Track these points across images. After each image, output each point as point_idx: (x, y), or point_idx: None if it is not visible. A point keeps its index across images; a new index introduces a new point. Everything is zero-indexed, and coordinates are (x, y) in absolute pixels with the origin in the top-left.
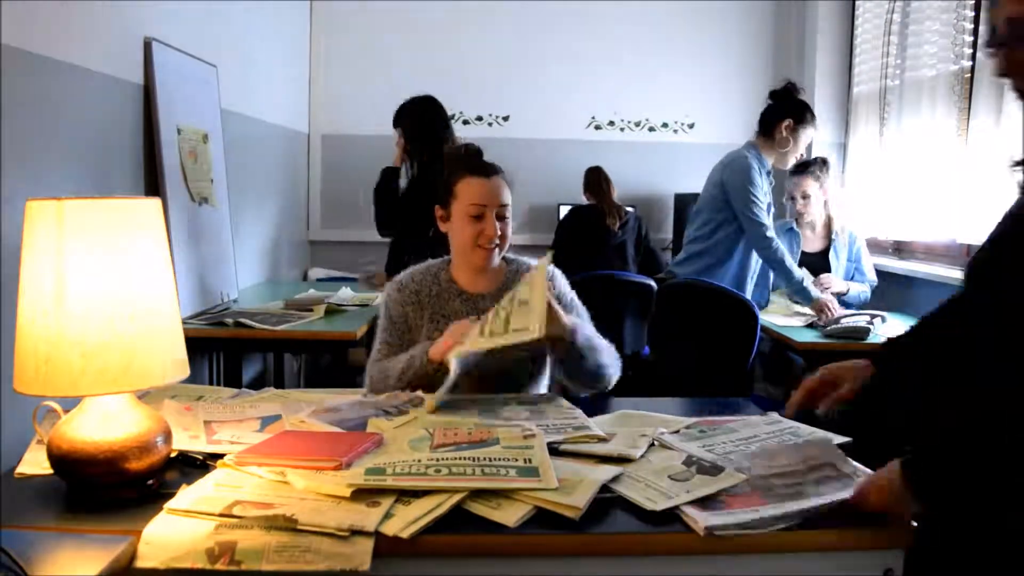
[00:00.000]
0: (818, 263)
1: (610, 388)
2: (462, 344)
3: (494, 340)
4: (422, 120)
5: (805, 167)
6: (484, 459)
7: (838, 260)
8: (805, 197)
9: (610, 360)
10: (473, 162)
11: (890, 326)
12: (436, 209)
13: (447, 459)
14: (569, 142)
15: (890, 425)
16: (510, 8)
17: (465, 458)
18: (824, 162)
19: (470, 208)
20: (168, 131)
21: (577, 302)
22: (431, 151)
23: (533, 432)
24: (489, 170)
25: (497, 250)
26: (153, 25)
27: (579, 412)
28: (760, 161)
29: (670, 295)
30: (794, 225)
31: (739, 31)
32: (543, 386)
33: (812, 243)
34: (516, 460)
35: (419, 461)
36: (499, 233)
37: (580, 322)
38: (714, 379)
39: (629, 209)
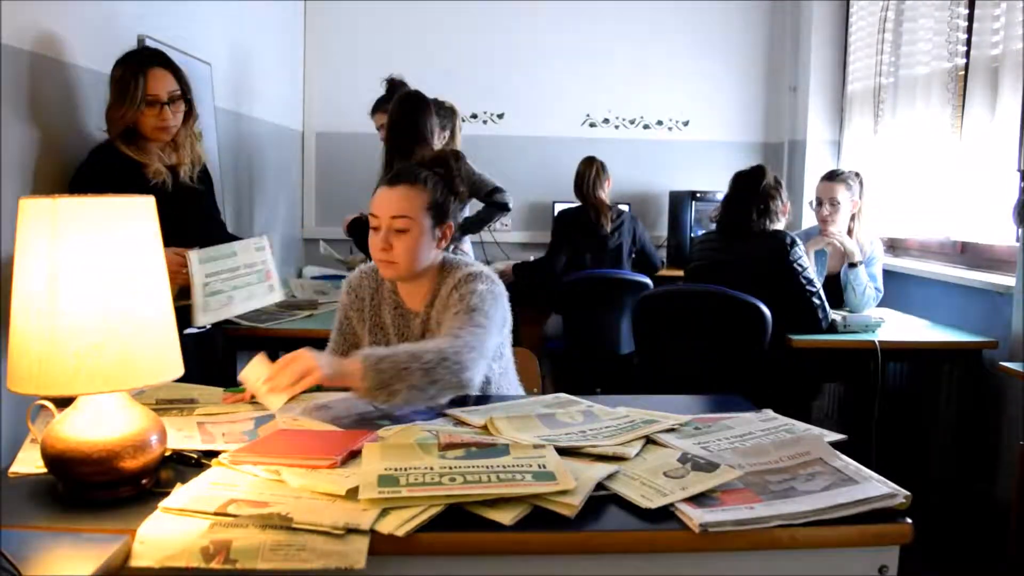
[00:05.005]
0: (837, 279)
1: (470, 391)
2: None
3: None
4: (404, 117)
5: (836, 174)
6: (498, 466)
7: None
8: (833, 204)
9: (449, 372)
10: (391, 173)
11: (890, 327)
12: None
13: (460, 467)
14: (564, 140)
15: None
16: (505, 6)
17: (479, 466)
18: (858, 175)
19: (370, 217)
20: None
21: (471, 301)
22: (401, 153)
23: (543, 444)
24: (393, 178)
25: (391, 266)
26: (146, 22)
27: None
28: None
29: (682, 299)
30: (824, 247)
31: (734, 29)
32: (508, 388)
33: (831, 260)
34: (530, 466)
35: (431, 469)
36: (383, 247)
37: (370, 351)
38: (720, 382)
39: (623, 208)
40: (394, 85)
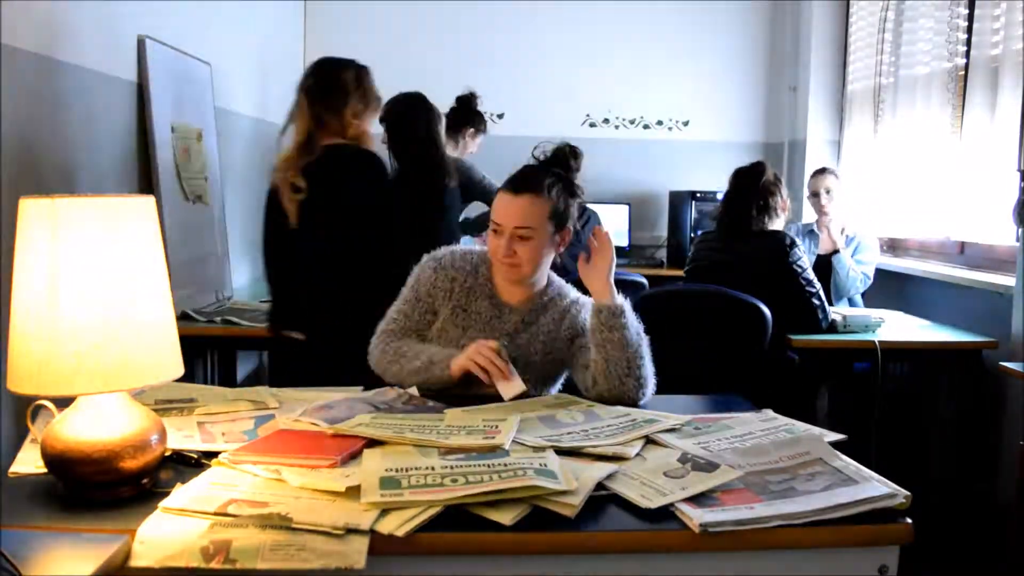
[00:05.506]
0: (826, 263)
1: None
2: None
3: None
4: (403, 120)
5: (823, 169)
6: (499, 464)
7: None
8: (828, 192)
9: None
10: (516, 173)
11: (890, 327)
12: None
13: (462, 467)
14: (564, 140)
15: None
16: (505, 6)
17: (480, 466)
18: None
19: (491, 222)
20: (162, 129)
21: None
22: (411, 157)
23: (544, 446)
24: (519, 185)
25: (515, 269)
26: (147, 23)
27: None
28: None
29: (681, 299)
30: (815, 227)
31: (734, 29)
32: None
33: (823, 244)
34: (531, 463)
35: (433, 469)
36: (507, 253)
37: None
38: (720, 382)
39: (588, 205)
40: (464, 100)
